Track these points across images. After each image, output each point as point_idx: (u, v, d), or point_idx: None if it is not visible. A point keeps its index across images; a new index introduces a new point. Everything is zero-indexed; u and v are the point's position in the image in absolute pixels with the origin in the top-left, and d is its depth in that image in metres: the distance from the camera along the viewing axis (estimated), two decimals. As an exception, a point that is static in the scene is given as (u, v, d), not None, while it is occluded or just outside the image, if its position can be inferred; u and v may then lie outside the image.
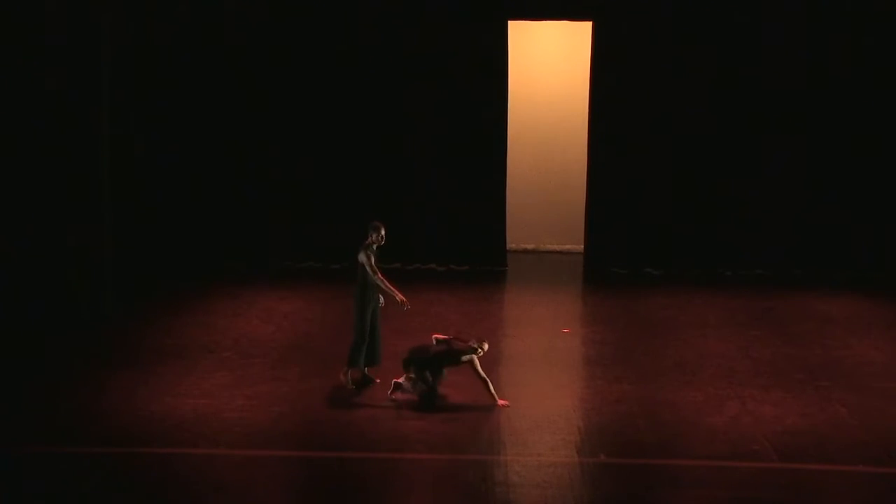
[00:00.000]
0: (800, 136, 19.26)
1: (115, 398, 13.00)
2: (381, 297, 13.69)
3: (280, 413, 12.67)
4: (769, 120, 19.24)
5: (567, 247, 20.72)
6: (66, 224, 15.91)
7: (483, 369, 12.86)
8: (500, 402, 12.85)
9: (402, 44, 19.38)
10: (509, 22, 19.45)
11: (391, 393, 13.02)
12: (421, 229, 19.65)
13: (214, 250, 19.46)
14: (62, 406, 12.77)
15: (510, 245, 20.31)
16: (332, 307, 16.94)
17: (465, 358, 12.85)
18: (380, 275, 13.45)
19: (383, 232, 13.58)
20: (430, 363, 12.93)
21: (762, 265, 19.54)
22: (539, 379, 13.97)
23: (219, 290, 17.95)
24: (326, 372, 13.88)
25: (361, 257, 13.43)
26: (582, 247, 20.20)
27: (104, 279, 16.21)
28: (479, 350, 12.92)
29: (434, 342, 13.21)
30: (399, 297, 13.44)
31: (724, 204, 19.49)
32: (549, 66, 21.00)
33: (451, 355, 12.94)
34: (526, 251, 20.97)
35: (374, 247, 13.54)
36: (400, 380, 13.01)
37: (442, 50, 19.40)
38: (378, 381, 13.60)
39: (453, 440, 11.98)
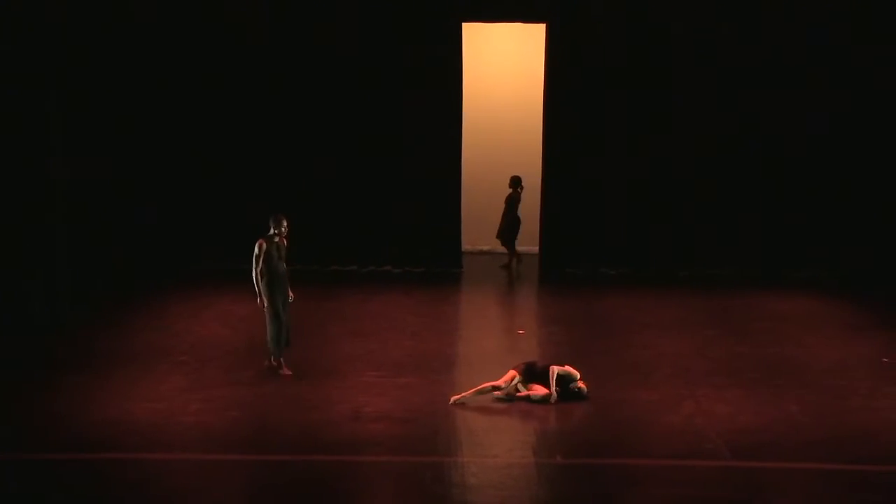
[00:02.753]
0: (756, 138, 19.40)
1: (68, 403, 12.89)
2: (291, 293, 13.89)
3: (237, 417, 12.62)
4: (724, 121, 19.36)
5: (522, 248, 20.73)
6: (21, 228, 15.78)
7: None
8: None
9: (356, 46, 19.34)
10: (463, 24, 19.47)
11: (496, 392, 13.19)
12: (376, 231, 19.62)
13: (170, 253, 19.34)
14: (14, 412, 12.64)
15: (465, 247, 20.32)
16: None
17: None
18: (258, 270, 13.61)
19: (285, 224, 13.67)
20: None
21: (717, 266, 19.65)
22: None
23: (174, 293, 17.86)
24: (283, 375, 13.83)
25: (255, 248, 13.58)
26: (537, 248, 20.25)
27: (60, 283, 16.07)
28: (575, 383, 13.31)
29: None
30: (260, 300, 13.75)
31: (680, 204, 19.59)
32: (504, 69, 21.05)
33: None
34: (481, 252, 20.98)
35: (276, 239, 13.62)
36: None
37: (396, 52, 19.39)
38: (272, 365, 13.87)
39: (410, 442, 11.98)
